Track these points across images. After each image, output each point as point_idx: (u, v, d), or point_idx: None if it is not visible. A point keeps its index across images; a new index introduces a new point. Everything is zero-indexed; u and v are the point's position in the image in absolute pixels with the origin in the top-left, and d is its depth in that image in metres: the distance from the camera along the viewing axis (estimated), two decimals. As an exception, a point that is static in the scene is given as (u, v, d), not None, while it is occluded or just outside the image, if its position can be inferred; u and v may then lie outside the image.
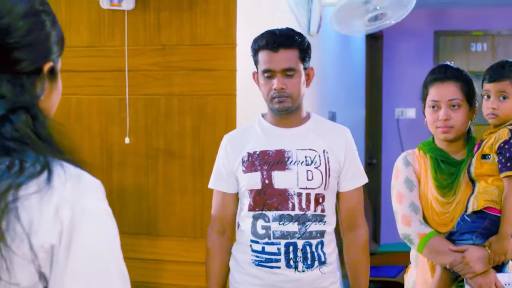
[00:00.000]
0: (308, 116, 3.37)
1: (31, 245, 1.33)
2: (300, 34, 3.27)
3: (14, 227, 1.32)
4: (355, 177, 3.33)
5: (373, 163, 8.71)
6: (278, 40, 3.19)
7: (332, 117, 6.40)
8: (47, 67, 1.54)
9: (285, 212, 3.19)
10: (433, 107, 3.30)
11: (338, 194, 3.34)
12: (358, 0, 5.00)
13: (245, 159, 3.28)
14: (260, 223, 3.23)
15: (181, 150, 4.12)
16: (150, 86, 4.15)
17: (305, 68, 3.26)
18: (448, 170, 3.31)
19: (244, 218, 3.30)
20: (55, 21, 1.57)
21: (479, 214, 3.13)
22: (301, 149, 3.25)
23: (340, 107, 6.86)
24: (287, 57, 3.19)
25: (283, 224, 3.19)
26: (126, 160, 4.21)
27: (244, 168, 3.27)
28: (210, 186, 3.43)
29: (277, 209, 3.20)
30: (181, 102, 4.11)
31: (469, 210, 3.15)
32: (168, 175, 4.14)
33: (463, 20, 9.01)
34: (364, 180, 3.39)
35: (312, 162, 3.23)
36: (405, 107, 8.90)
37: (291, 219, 3.19)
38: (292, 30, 3.29)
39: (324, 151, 3.26)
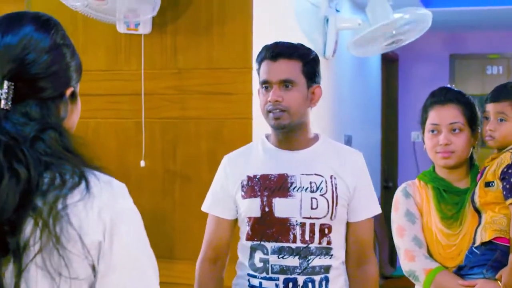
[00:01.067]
0: (316, 138, 3.04)
1: (83, 243, 1.60)
2: (306, 48, 3.00)
3: (68, 230, 1.59)
4: (367, 206, 3.01)
5: (389, 186, 8.68)
6: (278, 49, 2.92)
7: (348, 141, 6.39)
8: (68, 92, 1.77)
9: (285, 244, 2.87)
10: (432, 131, 3.12)
11: (347, 224, 3.00)
12: (380, 31, 5.01)
13: (245, 183, 2.96)
14: (259, 255, 2.92)
15: (197, 173, 4.12)
16: (167, 109, 4.17)
17: (309, 85, 2.94)
18: (452, 200, 3.11)
19: (243, 248, 3.02)
20: (74, 51, 1.81)
21: (489, 245, 2.93)
22: (306, 174, 2.92)
23: (356, 130, 6.85)
24: (286, 67, 2.88)
25: (282, 257, 2.87)
26: (142, 183, 4.21)
27: (243, 193, 2.95)
28: (203, 209, 3.12)
29: (276, 240, 2.88)
30: (198, 126, 4.12)
31: (477, 242, 2.95)
32: (185, 198, 4.14)
33: (478, 43, 9.01)
34: (377, 210, 3.06)
35: (317, 188, 2.90)
36: (421, 130, 8.87)
37: (291, 252, 2.87)
38: (301, 44, 3.02)
39: (331, 176, 2.92)
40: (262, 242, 2.91)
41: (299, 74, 2.90)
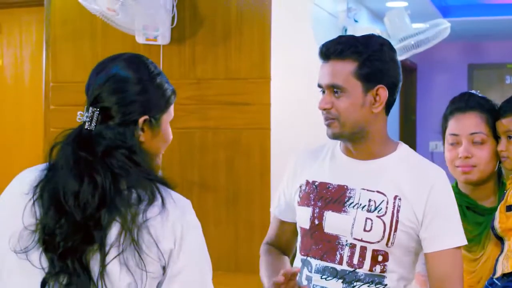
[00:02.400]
0: (393, 148, 2.60)
1: (158, 249, 1.96)
2: (368, 42, 2.52)
3: (147, 238, 1.95)
4: (442, 236, 2.49)
5: (407, 196, 8.66)
6: (331, 47, 2.51)
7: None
8: (141, 120, 2.08)
9: (330, 265, 2.52)
10: (451, 143, 2.80)
11: (425, 256, 2.54)
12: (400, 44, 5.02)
13: (303, 188, 2.64)
14: (305, 271, 2.60)
15: (215, 183, 4.12)
16: (185, 119, 4.17)
17: (368, 88, 2.48)
18: (474, 219, 2.77)
19: (297, 261, 2.68)
20: (154, 86, 2.13)
21: (511, 277, 2.55)
22: (367, 190, 2.52)
23: (374, 140, 6.83)
24: (334, 70, 2.48)
25: (325, 278, 2.53)
26: (160, 193, 4.22)
27: (299, 199, 2.65)
28: (271, 208, 2.87)
29: (321, 259, 2.54)
30: (216, 136, 4.12)
31: (498, 273, 2.58)
32: (203, 207, 4.14)
33: (497, 53, 8.99)
34: (459, 241, 2.51)
35: (375, 208, 2.49)
36: (440, 140, 8.83)
37: (335, 274, 2.51)
38: (368, 36, 2.56)
39: (396, 197, 2.49)
40: (309, 258, 2.59)
41: (350, 78, 2.47)
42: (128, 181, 2.01)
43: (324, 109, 2.50)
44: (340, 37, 2.55)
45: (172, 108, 2.23)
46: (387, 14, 5.22)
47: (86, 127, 2.04)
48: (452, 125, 2.81)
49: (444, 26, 5.06)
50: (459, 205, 2.65)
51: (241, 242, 4.04)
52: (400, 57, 5.30)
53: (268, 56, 4.03)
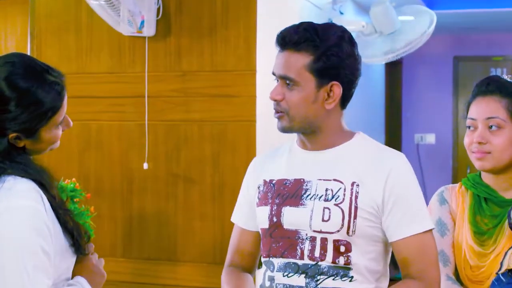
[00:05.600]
0: (349, 136, 2.48)
1: None
2: (327, 33, 2.37)
3: None
4: (407, 222, 2.35)
5: (393, 189, 8.68)
6: (287, 36, 2.38)
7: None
8: (10, 136, 2.15)
9: (291, 260, 2.40)
10: (469, 127, 2.62)
11: (392, 245, 2.41)
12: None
13: (261, 188, 2.52)
14: (267, 272, 2.47)
15: (201, 176, 4.12)
16: (170, 112, 4.17)
17: (321, 84, 2.36)
18: (491, 211, 2.58)
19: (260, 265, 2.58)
20: (17, 105, 2.13)
21: None
22: (324, 180, 2.40)
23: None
24: (288, 61, 2.36)
25: (287, 275, 2.40)
26: (146, 186, 4.22)
27: (258, 200, 2.52)
28: (231, 218, 2.71)
29: (282, 256, 2.41)
30: (201, 128, 4.12)
31: (504, 268, 2.42)
32: (188, 201, 4.14)
33: (482, 45, 9.01)
34: (425, 225, 2.37)
35: (333, 197, 2.37)
36: (425, 132, 8.88)
37: (297, 269, 2.39)
38: (327, 27, 2.41)
39: (353, 183, 2.37)
40: (271, 258, 2.45)
41: (304, 72, 2.35)
42: None
43: (275, 100, 2.39)
44: (299, 25, 2.40)
45: (61, 112, 2.20)
46: (373, 6, 5.22)
47: None
48: (472, 109, 2.61)
49: (428, 12, 5.05)
50: (477, 196, 2.61)
51: (226, 235, 4.02)
52: (388, 60, 5.31)
53: (254, 49, 4.03)
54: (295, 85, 2.36)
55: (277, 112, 2.41)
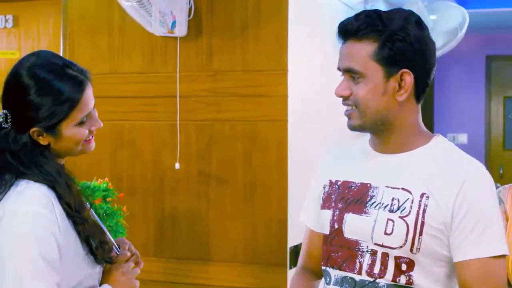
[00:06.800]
0: (426, 140, 2.25)
1: None
2: (392, 17, 2.15)
3: None
4: (473, 241, 2.07)
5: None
6: (347, 24, 2.17)
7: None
8: (32, 131, 2.17)
9: (349, 275, 2.19)
10: None
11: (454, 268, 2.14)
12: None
13: (326, 188, 2.33)
14: (324, 285, 2.30)
15: (233, 175, 4.12)
16: (202, 112, 4.17)
17: (391, 73, 2.14)
18: None
19: None
20: (41, 96, 2.16)
21: None
22: (391, 187, 2.17)
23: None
24: (351, 52, 2.16)
25: None
26: (178, 185, 4.23)
27: (322, 202, 2.33)
28: (300, 218, 2.51)
29: (340, 268, 2.21)
30: (233, 128, 4.12)
31: None
32: (220, 200, 4.15)
33: (515, 44, 8.95)
34: (495, 249, 2.08)
35: (398, 208, 2.13)
36: (457, 132, 8.83)
37: (354, 285, 2.18)
38: (392, 11, 2.20)
39: (422, 195, 2.12)
40: (327, 268, 2.27)
41: (369, 62, 2.14)
42: None
43: (341, 96, 2.19)
44: (360, 13, 2.19)
45: (81, 106, 2.20)
46: (405, 6, 5.20)
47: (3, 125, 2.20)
48: None
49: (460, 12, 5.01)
50: None
51: (258, 235, 4.03)
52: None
53: (285, 48, 4.02)
54: (361, 77, 2.15)
55: (346, 108, 2.21)
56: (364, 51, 2.13)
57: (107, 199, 3.58)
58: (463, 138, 8.84)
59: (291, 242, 4.03)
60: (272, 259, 4.03)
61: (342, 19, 2.19)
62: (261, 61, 4.06)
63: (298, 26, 4.16)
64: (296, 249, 4.03)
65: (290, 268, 4.02)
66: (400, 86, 2.15)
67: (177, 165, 4.16)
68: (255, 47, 4.07)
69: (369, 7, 5.46)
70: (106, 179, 3.66)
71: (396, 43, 2.11)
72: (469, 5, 7.27)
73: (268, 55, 4.05)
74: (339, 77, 2.23)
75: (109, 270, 2.29)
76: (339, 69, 2.21)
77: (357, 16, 2.17)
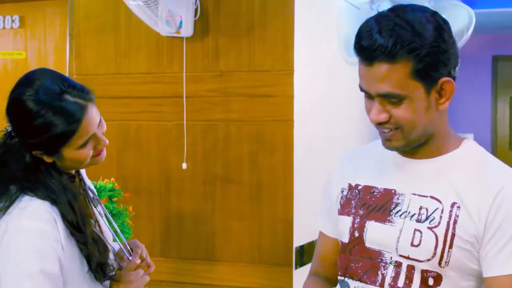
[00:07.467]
0: (457, 145, 2.11)
1: None
2: (420, 29, 1.91)
3: None
4: (505, 256, 1.93)
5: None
6: (374, 44, 1.90)
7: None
8: (34, 153, 2.20)
9: (370, 287, 2.06)
10: None
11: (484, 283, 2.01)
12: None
13: (344, 193, 2.21)
14: None
15: (239, 176, 4.12)
16: (208, 112, 4.17)
17: (432, 85, 1.96)
18: None
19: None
20: (41, 124, 2.14)
21: None
22: (419, 195, 2.03)
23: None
24: (384, 76, 1.92)
25: None
26: (184, 185, 4.23)
27: (339, 207, 2.20)
28: (314, 220, 2.42)
29: (360, 280, 2.09)
30: (239, 128, 4.12)
31: None
32: (226, 201, 4.14)
33: (522, 44, 8.94)
34: None
35: (427, 218, 1.99)
36: (464, 132, 8.82)
37: None
38: (418, 21, 1.92)
39: (453, 204, 1.98)
40: (346, 279, 2.14)
41: (407, 82, 1.93)
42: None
43: (380, 122, 2.00)
44: (385, 27, 1.91)
45: (81, 133, 2.19)
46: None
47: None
48: None
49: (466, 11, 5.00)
50: None
51: (264, 236, 4.03)
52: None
53: (292, 48, 4.02)
54: (402, 100, 1.95)
55: (387, 132, 2.02)
56: (402, 72, 1.91)
57: (113, 199, 3.58)
58: (469, 138, 8.83)
59: (297, 243, 4.02)
60: (278, 259, 4.02)
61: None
62: (268, 61, 4.06)
63: (304, 27, 4.16)
64: (302, 250, 4.03)
65: (296, 268, 4.02)
66: (440, 95, 2.00)
67: (184, 165, 4.16)
68: (261, 47, 4.07)
69: (375, 7, 5.45)
70: (112, 179, 3.67)
71: (435, 55, 1.94)
72: (476, 5, 7.27)
73: (274, 56, 4.05)
74: (362, 96, 2.05)
75: (115, 285, 2.30)
76: (363, 90, 2.01)
77: (383, 32, 1.91)
